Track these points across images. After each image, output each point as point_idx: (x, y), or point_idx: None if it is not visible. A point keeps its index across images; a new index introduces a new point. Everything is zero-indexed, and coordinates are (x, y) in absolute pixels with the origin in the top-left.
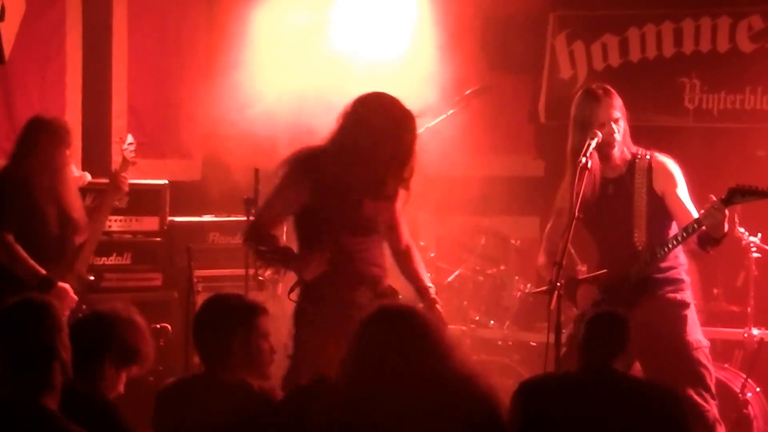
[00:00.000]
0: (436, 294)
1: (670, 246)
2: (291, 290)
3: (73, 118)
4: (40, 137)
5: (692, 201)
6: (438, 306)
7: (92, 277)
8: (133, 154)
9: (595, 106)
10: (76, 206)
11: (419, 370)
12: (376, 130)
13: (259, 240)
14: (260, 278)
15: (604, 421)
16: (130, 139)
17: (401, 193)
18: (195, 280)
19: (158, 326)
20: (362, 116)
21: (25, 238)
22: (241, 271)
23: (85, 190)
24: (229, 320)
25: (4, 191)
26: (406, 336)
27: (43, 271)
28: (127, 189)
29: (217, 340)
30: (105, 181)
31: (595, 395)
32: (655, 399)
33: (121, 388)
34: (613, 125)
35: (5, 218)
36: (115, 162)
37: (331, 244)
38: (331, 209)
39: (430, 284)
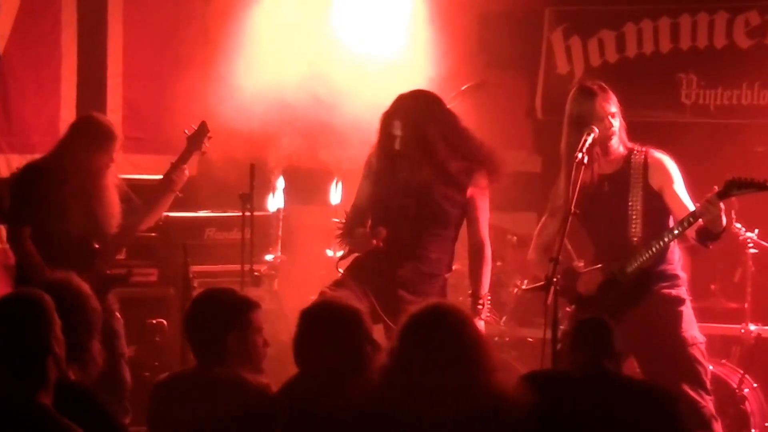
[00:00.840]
0: (485, 305)
1: (667, 240)
2: (341, 259)
3: (67, 112)
4: (80, 138)
5: (689, 196)
6: (479, 318)
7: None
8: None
9: (590, 102)
10: (107, 211)
11: (458, 375)
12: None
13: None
14: (256, 274)
15: (600, 421)
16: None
17: (478, 183)
18: (191, 275)
19: (154, 322)
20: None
21: (44, 235)
22: (237, 267)
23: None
24: (222, 316)
25: (30, 185)
26: (451, 341)
27: (46, 270)
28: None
29: (210, 335)
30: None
31: (590, 394)
32: (651, 398)
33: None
34: (610, 119)
35: (24, 212)
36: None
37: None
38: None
39: (482, 293)
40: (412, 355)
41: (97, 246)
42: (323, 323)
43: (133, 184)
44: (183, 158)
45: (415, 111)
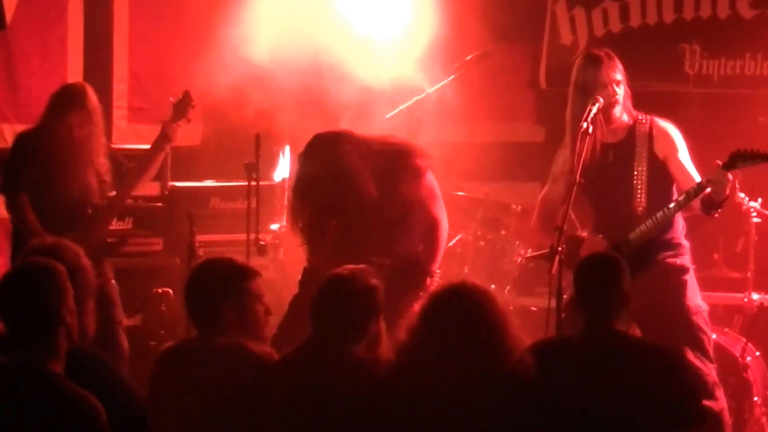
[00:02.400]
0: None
1: (672, 210)
2: None
3: None
4: (59, 102)
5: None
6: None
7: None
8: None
9: (596, 68)
10: (98, 177)
11: (479, 352)
12: None
13: None
14: (261, 243)
15: (609, 382)
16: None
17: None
18: (197, 245)
19: (160, 291)
20: None
21: (40, 201)
22: (242, 236)
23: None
24: (218, 285)
25: (23, 152)
26: (474, 320)
27: (46, 235)
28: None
29: (207, 305)
30: None
31: (598, 356)
32: (659, 359)
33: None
34: (615, 87)
35: (19, 178)
36: (118, 126)
37: None
38: None
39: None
40: (434, 329)
41: (90, 212)
42: (343, 292)
43: (133, 154)
44: (169, 125)
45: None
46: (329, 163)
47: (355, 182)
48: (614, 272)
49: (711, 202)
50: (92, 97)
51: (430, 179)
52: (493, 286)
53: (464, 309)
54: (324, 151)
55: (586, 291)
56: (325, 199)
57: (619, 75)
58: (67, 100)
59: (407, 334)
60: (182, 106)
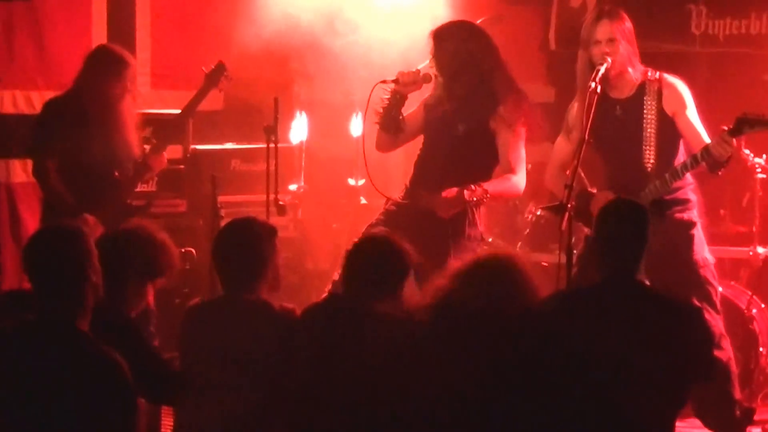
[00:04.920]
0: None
1: (680, 171)
2: None
3: None
4: (94, 67)
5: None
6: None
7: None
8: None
9: (595, 23)
10: (126, 141)
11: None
12: None
13: None
14: (281, 203)
15: (627, 332)
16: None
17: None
18: (219, 206)
19: (183, 251)
20: None
21: (66, 167)
22: (262, 197)
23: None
24: (249, 243)
25: (51, 118)
26: (507, 288)
27: (71, 200)
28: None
29: (237, 263)
30: None
31: (619, 306)
32: (677, 312)
33: (150, 299)
34: (613, 43)
35: (46, 144)
36: (142, 92)
37: None
38: None
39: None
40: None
41: (117, 175)
42: (377, 252)
43: (156, 118)
44: (200, 94)
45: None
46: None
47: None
48: (642, 220)
49: (715, 163)
50: (131, 61)
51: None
52: (505, 243)
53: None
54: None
55: (613, 238)
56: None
57: (617, 33)
58: (113, 62)
59: (441, 293)
60: (215, 76)
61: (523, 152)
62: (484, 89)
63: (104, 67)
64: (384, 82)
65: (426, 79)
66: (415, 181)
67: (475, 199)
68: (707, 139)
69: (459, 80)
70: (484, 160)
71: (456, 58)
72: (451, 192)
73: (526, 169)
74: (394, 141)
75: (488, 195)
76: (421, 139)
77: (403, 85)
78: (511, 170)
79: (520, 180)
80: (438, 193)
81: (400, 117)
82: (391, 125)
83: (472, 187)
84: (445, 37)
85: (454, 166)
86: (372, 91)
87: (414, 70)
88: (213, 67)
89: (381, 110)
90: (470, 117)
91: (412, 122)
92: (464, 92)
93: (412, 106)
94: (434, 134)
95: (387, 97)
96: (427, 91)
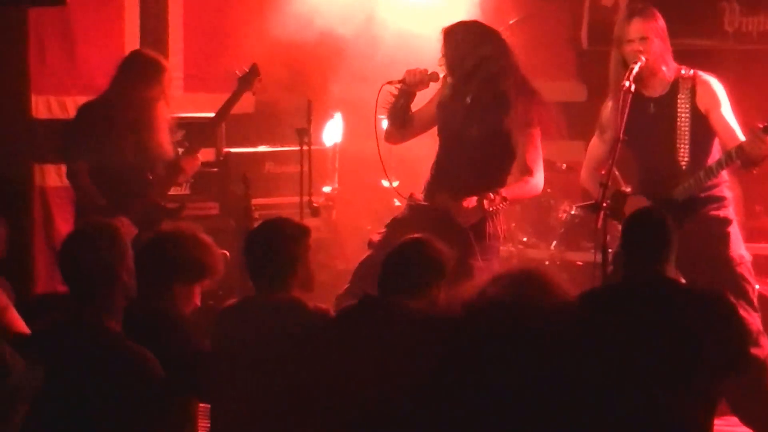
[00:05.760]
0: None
1: (714, 169)
2: None
3: None
4: (129, 72)
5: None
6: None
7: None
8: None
9: (627, 21)
10: (159, 143)
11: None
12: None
13: None
14: (315, 205)
15: (658, 328)
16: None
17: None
18: (252, 208)
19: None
20: None
21: (99, 170)
22: (295, 199)
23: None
24: (283, 243)
25: (83, 121)
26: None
27: (103, 202)
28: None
29: (271, 263)
30: None
31: (647, 302)
32: (708, 305)
33: (197, 301)
34: (640, 43)
35: (78, 147)
36: (174, 96)
37: None
38: None
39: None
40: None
41: (150, 177)
42: (416, 255)
43: (188, 122)
44: (234, 98)
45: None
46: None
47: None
48: (662, 230)
49: (749, 161)
50: (166, 65)
51: (538, 134)
52: (534, 240)
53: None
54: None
55: (634, 248)
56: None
57: (649, 31)
58: (140, 69)
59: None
60: (249, 79)
61: (539, 152)
62: (494, 91)
63: (139, 73)
64: (390, 83)
65: (433, 77)
66: (434, 182)
67: (493, 208)
68: (741, 137)
69: (469, 82)
70: (501, 162)
71: (466, 60)
72: (470, 202)
73: (561, 169)
74: (403, 134)
75: (507, 201)
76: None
77: (411, 84)
78: (528, 171)
79: (538, 181)
80: (457, 199)
81: (409, 112)
82: (398, 120)
83: (491, 195)
84: (455, 38)
85: (471, 169)
86: (380, 91)
87: (422, 68)
88: (246, 70)
89: (389, 106)
90: (482, 120)
91: (422, 117)
92: (474, 95)
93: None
94: (448, 136)
95: (395, 94)
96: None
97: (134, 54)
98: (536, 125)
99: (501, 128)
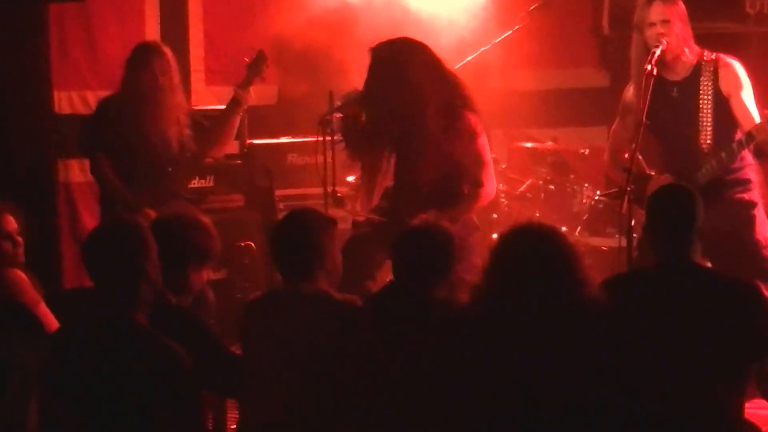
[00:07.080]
0: None
1: (735, 150)
2: None
3: None
4: (129, 62)
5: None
6: None
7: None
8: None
9: (648, 5)
10: (177, 136)
11: (552, 284)
12: None
13: None
14: (338, 195)
15: (684, 313)
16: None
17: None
18: (276, 199)
19: (242, 245)
20: None
21: (122, 160)
22: (319, 189)
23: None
24: (309, 234)
25: (102, 115)
26: (545, 254)
27: (129, 195)
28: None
29: (298, 254)
30: None
31: (674, 287)
32: (735, 290)
33: (201, 283)
34: (662, 26)
35: (97, 140)
36: (197, 89)
37: None
38: None
39: None
40: (506, 267)
41: (170, 169)
42: (428, 240)
43: (212, 115)
44: (243, 84)
45: None
46: (404, 69)
47: (421, 100)
48: (688, 203)
49: (760, 151)
50: (166, 49)
51: (483, 143)
52: (564, 228)
53: (535, 244)
54: (401, 55)
55: (661, 224)
56: (389, 105)
57: (671, 15)
58: (142, 54)
59: (481, 275)
60: (256, 66)
61: (483, 157)
62: (402, 113)
63: (134, 61)
64: (328, 114)
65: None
66: (394, 196)
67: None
68: (759, 121)
69: (373, 104)
70: (449, 179)
71: (374, 81)
72: None
73: (584, 155)
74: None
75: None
76: None
77: (349, 108)
78: (479, 184)
79: (488, 189)
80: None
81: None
82: (356, 147)
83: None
84: (374, 58)
85: (423, 187)
86: (321, 122)
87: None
88: (254, 57)
89: (341, 135)
90: (408, 141)
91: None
92: (379, 115)
93: None
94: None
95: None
96: None
97: (135, 46)
98: (479, 134)
99: (437, 147)
